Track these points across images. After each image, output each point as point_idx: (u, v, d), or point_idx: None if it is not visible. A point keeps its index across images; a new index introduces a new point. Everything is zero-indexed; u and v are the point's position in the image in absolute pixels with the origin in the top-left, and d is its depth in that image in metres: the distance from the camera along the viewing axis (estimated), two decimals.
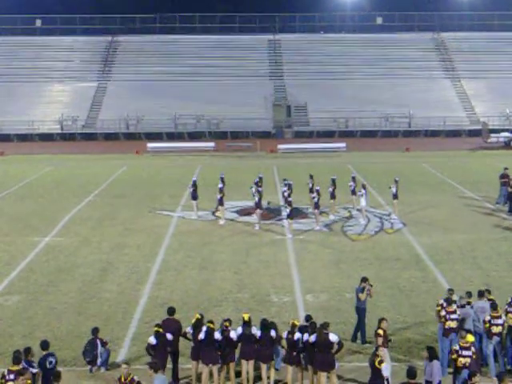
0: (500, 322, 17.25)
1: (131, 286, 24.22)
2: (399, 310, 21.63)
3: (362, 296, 19.35)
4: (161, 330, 16.72)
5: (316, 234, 31.16)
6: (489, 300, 18.14)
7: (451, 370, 16.23)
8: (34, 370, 15.46)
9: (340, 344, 16.30)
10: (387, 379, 14.88)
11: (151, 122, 72.44)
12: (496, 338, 17.24)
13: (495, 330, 17.22)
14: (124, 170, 51.42)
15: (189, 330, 17.10)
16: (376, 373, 14.93)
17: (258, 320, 17.73)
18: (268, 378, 16.77)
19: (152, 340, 16.65)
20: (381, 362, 14.97)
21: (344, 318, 20.74)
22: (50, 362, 15.60)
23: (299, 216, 33.96)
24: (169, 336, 16.78)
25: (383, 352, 15.74)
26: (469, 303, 18.16)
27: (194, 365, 16.95)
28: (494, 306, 17.55)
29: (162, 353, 16.64)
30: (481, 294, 18.29)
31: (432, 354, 15.31)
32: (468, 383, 14.21)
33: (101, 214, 35.74)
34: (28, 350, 15.67)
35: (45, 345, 15.91)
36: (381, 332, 16.54)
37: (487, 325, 17.26)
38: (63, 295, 23.35)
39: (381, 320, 16.89)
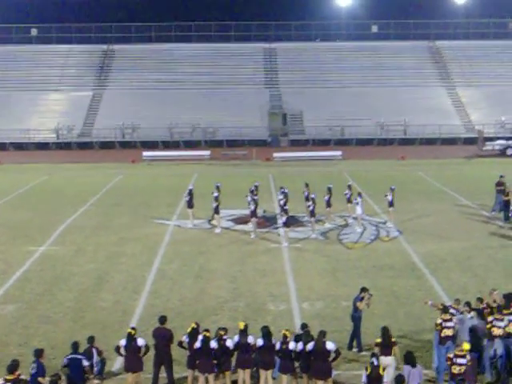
0: (501, 324, 17.19)
1: (127, 295, 24.18)
2: (395, 317, 21.63)
3: (361, 305, 19.31)
4: (133, 331, 16.82)
5: (312, 243, 31.16)
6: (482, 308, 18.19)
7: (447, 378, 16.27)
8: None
9: (337, 352, 16.34)
10: None
11: (147, 131, 72.45)
12: (498, 341, 17.13)
13: (496, 331, 17.18)
14: (120, 178, 51.38)
15: (185, 338, 17.07)
16: (378, 380, 14.94)
17: (253, 329, 17.70)
18: None
19: (122, 342, 16.82)
20: (384, 369, 15.09)
21: (340, 327, 20.72)
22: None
23: (295, 224, 33.95)
24: (140, 342, 16.75)
25: (388, 360, 16.06)
26: (468, 312, 18.09)
27: (190, 373, 16.94)
28: (498, 308, 17.62)
29: (131, 356, 16.70)
30: (480, 313, 18.03)
31: (408, 359, 15.39)
32: None
33: (96, 222, 35.70)
34: (92, 338, 17.35)
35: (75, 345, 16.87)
36: (379, 341, 16.62)
37: (489, 325, 17.24)
38: (59, 304, 23.31)
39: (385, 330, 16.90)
